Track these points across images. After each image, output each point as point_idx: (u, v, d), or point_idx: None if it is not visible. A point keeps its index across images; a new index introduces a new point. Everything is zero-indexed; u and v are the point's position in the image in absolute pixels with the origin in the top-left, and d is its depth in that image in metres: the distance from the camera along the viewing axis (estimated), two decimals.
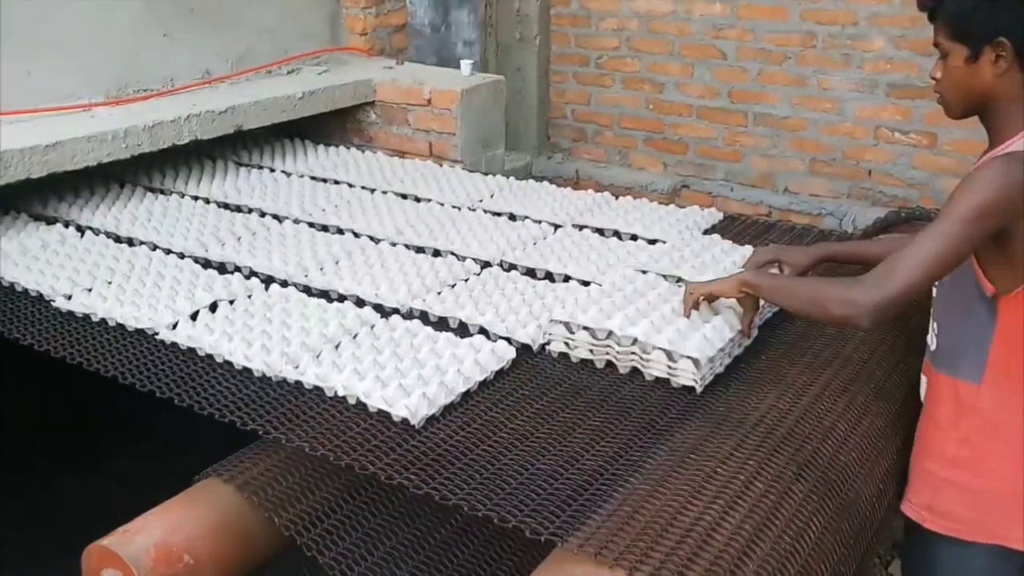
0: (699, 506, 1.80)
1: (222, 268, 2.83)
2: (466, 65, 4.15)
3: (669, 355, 2.19)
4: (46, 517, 3.22)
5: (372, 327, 2.43)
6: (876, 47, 4.36)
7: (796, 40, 4.57)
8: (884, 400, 2.34)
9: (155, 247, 2.96)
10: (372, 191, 3.46)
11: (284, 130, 4.02)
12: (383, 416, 2.08)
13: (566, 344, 2.33)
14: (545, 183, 3.44)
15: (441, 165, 3.84)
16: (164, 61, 3.72)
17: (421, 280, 2.63)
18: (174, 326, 2.44)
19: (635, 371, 2.27)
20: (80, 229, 3.12)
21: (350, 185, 3.55)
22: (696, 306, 2.31)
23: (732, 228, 3.18)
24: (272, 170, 3.75)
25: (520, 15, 5.27)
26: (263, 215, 3.23)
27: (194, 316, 2.48)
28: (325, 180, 3.63)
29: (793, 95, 4.63)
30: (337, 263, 2.79)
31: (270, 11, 4.12)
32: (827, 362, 2.41)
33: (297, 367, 2.24)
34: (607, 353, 2.29)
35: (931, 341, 2.16)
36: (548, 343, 2.36)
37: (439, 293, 2.60)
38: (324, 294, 2.65)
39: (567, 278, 2.71)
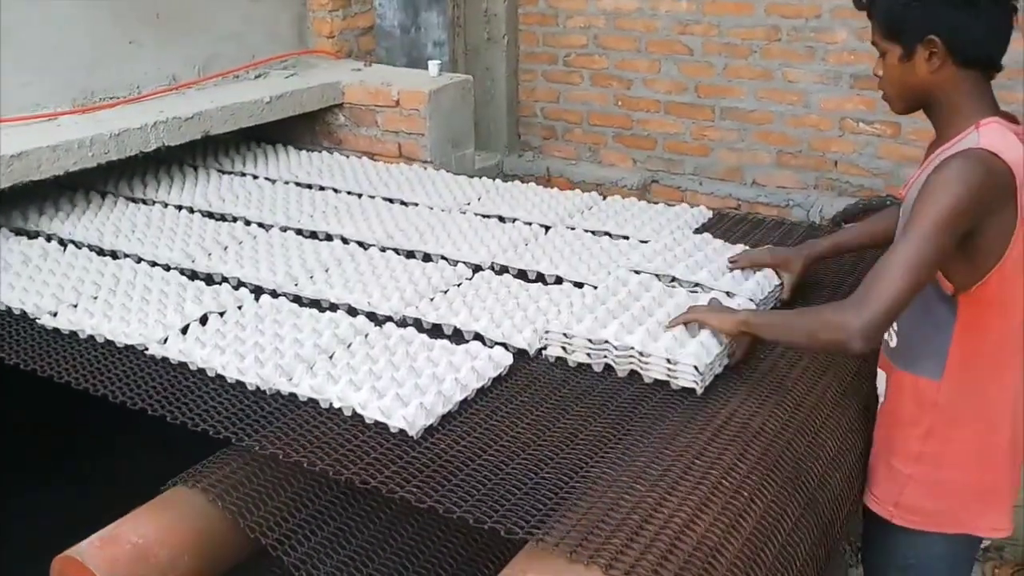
0: (710, 516, 1.74)
1: (209, 279, 2.71)
2: (434, 66, 4.05)
3: (668, 360, 2.12)
4: (11, 529, 3.08)
5: (366, 336, 2.33)
6: (839, 39, 4.31)
7: (761, 34, 4.51)
8: (851, 396, 2.32)
9: (140, 259, 2.83)
10: (359, 196, 3.33)
11: (253, 135, 3.90)
12: (380, 428, 1.98)
13: (563, 348, 2.25)
14: (532, 184, 3.33)
15: (411, 165, 3.75)
16: (130, 68, 3.61)
17: (413, 286, 2.53)
18: (164, 341, 2.32)
19: (633, 374, 2.19)
20: (62, 242, 2.98)
21: (335, 190, 3.42)
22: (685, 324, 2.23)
23: (721, 225, 3.09)
24: (255, 176, 3.62)
25: (488, 15, 5.17)
26: (248, 223, 3.09)
27: (184, 330, 2.37)
28: (309, 186, 3.50)
29: (759, 88, 4.58)
30: (327, 271, 2.67)
31: (236, 16, 4.00)
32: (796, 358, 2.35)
33: (291, 379, 2.13)
34: (604, 357, 2.21)
35: (890, 338, 2.11)
36: (545, 347, 2.27)
37: (432, 299, 2.49)
38: (315, 303, 2.53)
39: (559, 280, 2.61)
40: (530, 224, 3.00)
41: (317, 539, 1.95)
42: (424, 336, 2.31)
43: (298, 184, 3.53)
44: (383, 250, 2.82)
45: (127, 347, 2.34)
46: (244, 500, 1.94)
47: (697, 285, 2.51)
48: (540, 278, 2.66)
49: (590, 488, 1.80)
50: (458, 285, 2.59)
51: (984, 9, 1.86)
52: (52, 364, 2.28)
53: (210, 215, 3.21)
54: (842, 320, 1.86)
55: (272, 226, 3.06)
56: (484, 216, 3.10)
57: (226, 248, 2.86)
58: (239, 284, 2.65)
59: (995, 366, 2.00)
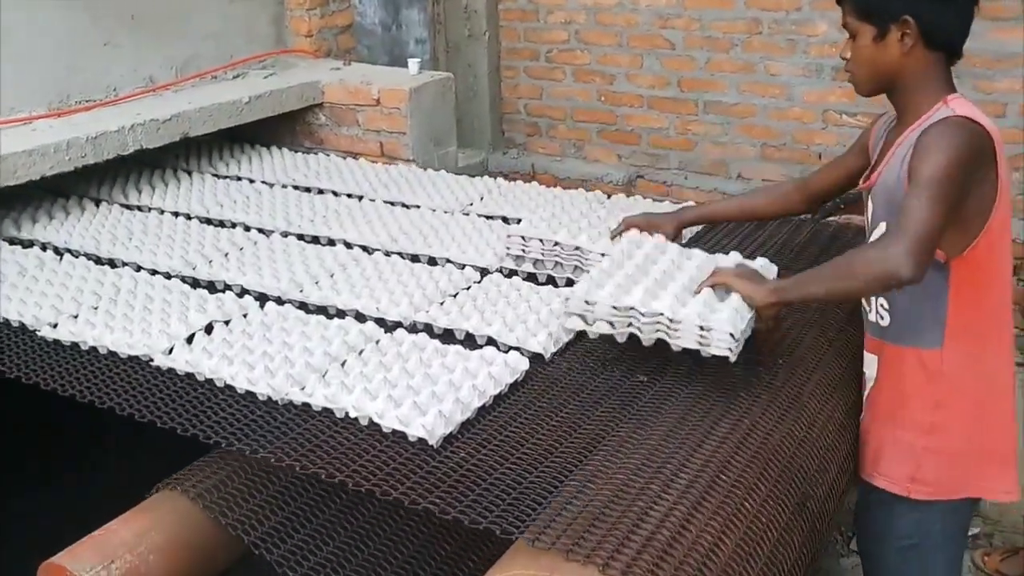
0: (737, 531, 1.67)
1: (212, 287, 2.59)
2: (414, 64, 3.94)
3: (701, 326, 1.97)
4: (11, 529, 2.96)
5: (377, 342, 2.22)
6: (820, 31, 4.23)
7: (742, 27, 4.42)
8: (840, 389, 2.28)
9: (139, 267, 2.70)
10: (359, 198, 3.21)
11: (233, 136, 3.78)
12: (398, 436, 1.89)
13: (583, 319, 2.10)
14: (534, 183, 3.22)
15: (409, 166, 3.64)
16: (106, 70, 3.48)
17: (422, 291, 2.42)
18: (170, 351, 2.21)
19: (656, 376, 2.09)
20: (58, 251, 2.85)
21: (334, 193, 3.29)
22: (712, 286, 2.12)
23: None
24: (251, 181, 3.48)
25: (468, 11, 5.06)
26: (248, 229, 2.97)
27: (190, 339, 2.26)
28: (308, 189, 3.37)
29: (741, 82, 4.49)
30: (332, 276, 2.56)
31: (213, 16, 3.88)
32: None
33: (303, 388, 2.03)
34: (629, 326, 2.06)
35: (880, 318, 2.10)
36: (566, 319, 2.15)
37: (441, 304, 2.39)
38: (322, 310, 2.42)
39: (570, 282, 2.51)
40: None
41: (300, 536, 1.93)
42: (436, 342, 2.21)
43: (296, 187, 3.40)
44: (388, 254, 2.70)
45: (131, 358, 2.22)
46: (226, 500, 1.93)
47: (577, 248, 2.50)
48: (550, 280, 2.56)
49: (616, 497, 1.71)
50: (467, 288, 2.49)
51: None
52: (55, 377, 2.17)
53: (208, 221, 3.08)
54: (887, 253, 1.83)
55: (272, 231, 2.94)
56: (488, 217, 2.99)
57: (227, 255, 2.74)
58: (243, 292, 2.54)
59: (992, 329, 2.02)
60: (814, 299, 2.18)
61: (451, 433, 1.90)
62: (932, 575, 2.16)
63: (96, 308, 2.44)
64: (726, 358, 1.98)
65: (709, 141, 4.65)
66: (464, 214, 3.02)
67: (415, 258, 2.71)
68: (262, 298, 2.49)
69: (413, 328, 2.31)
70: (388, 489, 1.74)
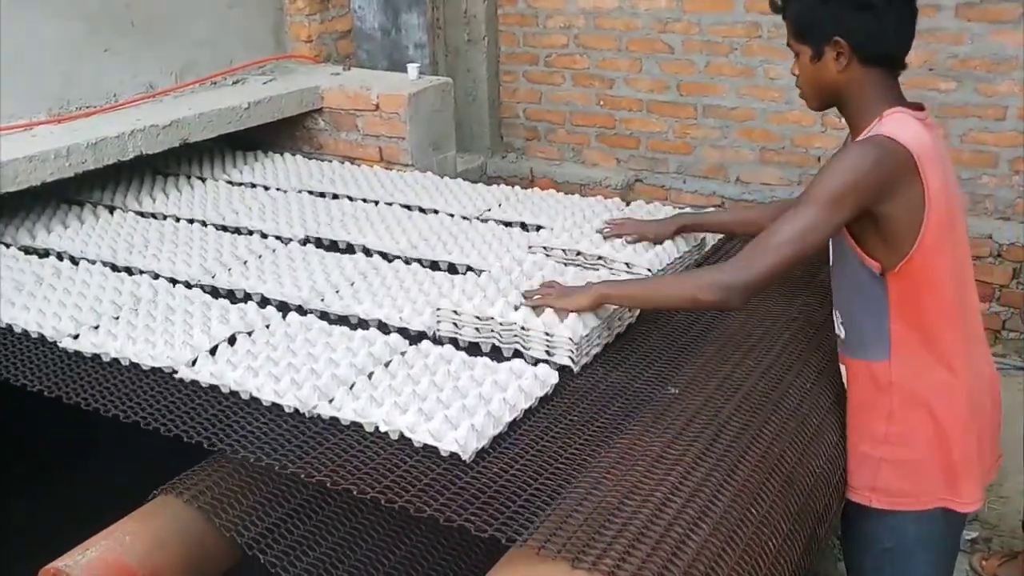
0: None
1: (232, 296, 2.51)
2: (412, 68, 3.86)
3: (547, 333, 2.09)
4: (11, 529, 2.88)
5: (403, 354, 2.15)
6: None
7: (741, 31, 4.38)
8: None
9: (157, 275, 2.61)
10: (375, 203, 3.12)
11: (233, 141, 3.70)
12: (430, 451, 1.82)
13: (454, 325, 2.20)
14: (551, 191, 3.14)
15: (397, 169, 3.58)
16: (106, 76, 3.41)
17: (446, 301, 2.33)
18: (193, 363, 2.13)
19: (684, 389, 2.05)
20: (74, 260, 2.76)
21: (350, 198, 3.19)
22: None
23: None
24: (266, 188, 3.38)
25: (468, 16, 5.00)
26: (265, 236, 2.88)
27: (213, 351, 2.18)
28: (323, 194, 3.28)
29: (741, 86, 4.45)
30: (352, 285, 2.48)
31: (213, 22, 3.80)
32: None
33: (331, 401, 1.96)
34: (492, 333, 2.17)
35: (839, 331, 2.11)
36: (439, 326, 2.24)
37: None
38: (344, 320, 2.35)
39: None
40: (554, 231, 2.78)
41: (294, 536, 1.89)
42: (463, 354, 2.14)
43: (311, 193, 3.31)
44: (408, 262, 2.62)
45: (154, 370, 2.15)
46: (219, 501, 1.90)
47: (600, 258, 2.51)
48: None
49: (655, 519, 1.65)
50: None
51: (883, 11, 1.88)
52: (78, 390, 2.08)
53: (224, 228, 2.99)
54: (725, 280, 1.92)
55: (291, 239, 2.86)
56: (506, 224, 2.91)
57: (246, 263, 2.65)
58: (263, 300, 2.46)
59: (942, 340, 1.97)
60: (643, 308, 2.29)
61: (484, 447, 1.83)
62: None
63: (117, 318, 2.35)
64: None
65: (708, 145, 4.60)
66: (483, 221, 2.94)
67: (435, 265, 2.63)
68: (283, 307, 2.41)
69: (436, 339, 2.24)
70: (422, 505, 1.68)
